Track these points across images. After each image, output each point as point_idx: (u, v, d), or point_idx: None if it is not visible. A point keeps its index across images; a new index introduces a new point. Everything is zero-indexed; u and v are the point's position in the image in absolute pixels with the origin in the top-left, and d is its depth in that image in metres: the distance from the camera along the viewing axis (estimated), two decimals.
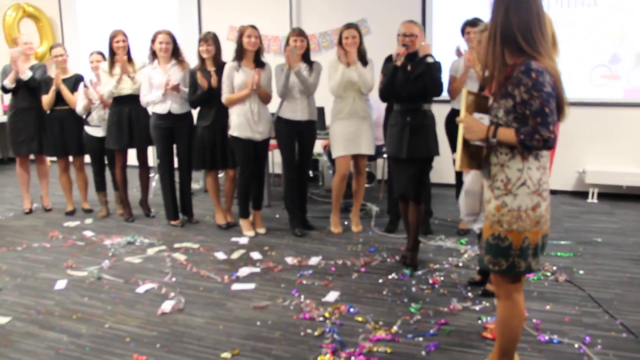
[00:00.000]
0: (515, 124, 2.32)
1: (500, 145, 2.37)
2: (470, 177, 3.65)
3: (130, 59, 5.45)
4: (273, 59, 6.22)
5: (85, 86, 5.52)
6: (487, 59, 2.38)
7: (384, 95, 4.30)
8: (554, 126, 2.24)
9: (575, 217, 5.57)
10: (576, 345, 3.04)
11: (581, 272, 4.10)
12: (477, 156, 2.53)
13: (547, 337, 3.13)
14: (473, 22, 4.78)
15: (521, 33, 2.27)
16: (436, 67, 4.14)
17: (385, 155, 5.40)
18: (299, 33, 4.89)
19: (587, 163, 6.31)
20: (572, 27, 6.13)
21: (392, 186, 5.15)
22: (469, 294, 3.76)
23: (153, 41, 5.16)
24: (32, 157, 6.03)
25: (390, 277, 4.10)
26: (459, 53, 5.00)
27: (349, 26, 4.87)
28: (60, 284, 4.09)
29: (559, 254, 4.47)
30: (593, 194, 6.21)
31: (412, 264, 4.24)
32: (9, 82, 5.62)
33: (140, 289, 3.97)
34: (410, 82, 4.09)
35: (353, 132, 4.96)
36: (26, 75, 5.62)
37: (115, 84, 5.29)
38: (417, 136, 4.13)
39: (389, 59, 4.92)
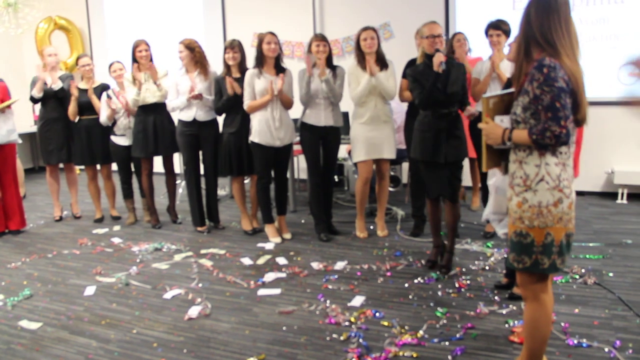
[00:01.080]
0: (533, 120, 2.34)
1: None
2: (502, 175, 3.57)
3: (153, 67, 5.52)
4: (297, 64, 6.25)
5: (108, 96, 5.60)
6: (514, 59, 2.49)
7: (424, 105, 4.15)
8: (566, 121, 2.25)
9: (604, 218, 5.48)
10: (606, 350, 2.99)
11: (611, 274, 4.04)
12: (505, 154, 2.59)
13: (575, 341, 3.09)
14: (496, 25, 4.75)
15: (541, 33, 2.33)
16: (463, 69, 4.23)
17: (407, 158, 5.35)
18: (321, 38, 4.90)
19: (616, 163, 6.21)
20: (599, 25, 6.05)
21: (417, 190, 5.14)
22: (496, 298, 3.72)
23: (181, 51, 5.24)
24: (61, 165, 6.14)
25: (416, 281, 4.08)
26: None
27: (366, 28, 4.86)
28: (90, 290, 4.16)
29: (587, 256, 4.40)
30: (622, 194, 6.11)
31: (447, 267, 4.21)
32: (36, 92, 5.73)
33: (168, 295, 4.01)
34: (449, 85, 4.07)
35: (375, 136, 4.95)
36: (57, 85, 5.74)
37: (137, 90, 5.37)
38: (453, 140, 4.14)
39: (410, 63, 4.91)
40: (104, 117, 5.61)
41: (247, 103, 4.93)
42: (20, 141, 5.66)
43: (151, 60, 5.51)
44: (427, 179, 4.27)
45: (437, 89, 4.04)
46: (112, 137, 5.71)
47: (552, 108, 2.24)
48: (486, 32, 4.85)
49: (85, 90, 5.75)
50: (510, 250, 2.51)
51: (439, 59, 4.03)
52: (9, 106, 5.37)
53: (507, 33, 4.74)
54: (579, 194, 6.17)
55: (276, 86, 4.81)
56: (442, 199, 4.29)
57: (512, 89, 2.55)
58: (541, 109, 2.27)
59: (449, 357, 3.01)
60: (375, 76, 4.81)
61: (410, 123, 4.95)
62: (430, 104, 4.11)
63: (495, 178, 3.58)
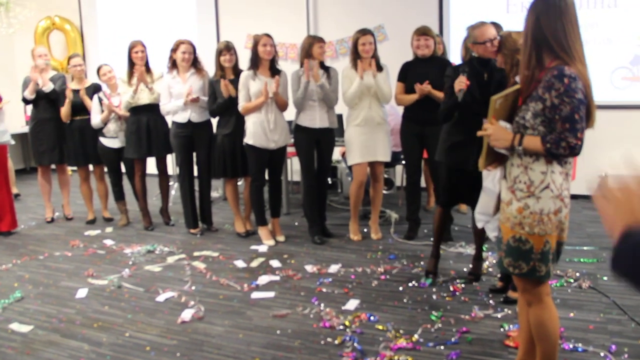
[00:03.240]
0: (542, 127, 2.31)
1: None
2: (492, 177, 3.56)
3: (148, 69, 5.50)
4: (290, 66, 6.23)
5: (100, 99, 5.56)
6: (521, 63, 2.43)
7: (444, 120, 3.94)
8: (582, 133, 2.23)
9: (598, 222, 5.48)
10: (602, 354, 2.99)
11: (605, 278, 4.04)
12: (502, 155, 2.55)
13: (571, 346, 3.08)
14: None
15: (554, 39, 2.28)
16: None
17: (402, 161, 5.32)
18: (322, 39, 4.92)
19: (610, 167, 6.21)
20: (592, 29, 6.06)
21: (412, 193, 5.12)
22: (491, 302, 3.71)
23: (174, 50, 5.20)
24: (53, 166, 6.09)
25: (410, 284, 4.07)
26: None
27: (364, 32, 4.84)
28: (81, 293, 4.12)
29: (582, 259, 4.41)
30: None
31: (475, 273, 4.09)
32: (28, 93, 5.69)
33: (160, 298, 3.98)
34: (484, 94, 3.49)
35: (369, 139, 4.94)
36: (48, 87, 5.69)
37: (132, 94, 5.33)
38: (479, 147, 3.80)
39: (405, 66, 4.90)
40: (97, 120, 5.56)
41: (241, 105, 4.91)
42: (13, 142, 5.61)
43: (147, 61, 5.48)
44: (450, 186, 3.99)
45: (471, 96, 3.63)
46: (102, 139, 5.65)
47: (571, 119, 2.22)
48: None
49: (77, 91, 5.71)
50: (505, 255, 2.47)
51: (459, 85, 3.63)
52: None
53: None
54: (573, 197, 6.14)
55: (271, 88, 4.80)
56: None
57: (517, 87, 2.51)
58: (558, 119, 2.24)
59: None
60: (375, 78, 4.80)
61: (406, 126, 4.96)
62: (450, 119, 3.89)
63: (487, 178, 3.56)
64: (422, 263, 4.46)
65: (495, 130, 2.43)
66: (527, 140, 2.32)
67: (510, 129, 2.42)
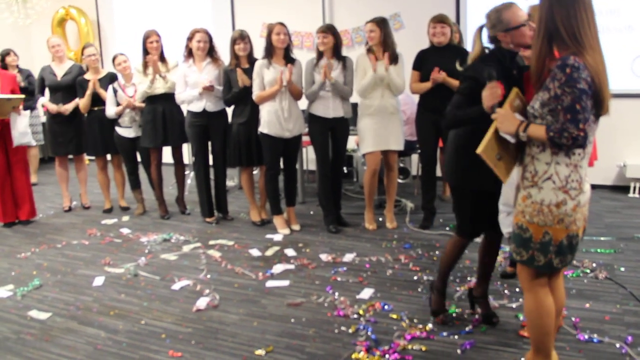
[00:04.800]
0: (550, 117, 2.29)
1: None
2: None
3: (163, 59, 5.51)
4: (306, 55, 6.20)
5: (114, 90, 5.59)
6: (533, 53, 2.38)
7: (451, 127, 3.10)
8: (585, 124, 2.20)
9: (616, 212, 5.43)
10: (617, 345, 2.96)
11: (622, 269, 4.00)
12: (504, 149, 2.52)
13: (586, 336, 3.06)
14: None
15: (565, 27, 2.25)
16: None
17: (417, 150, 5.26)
18: (323, 30, 4.86)
19: (628, 157, 6.15)
20: (612, 16, 5.97)
21: (428, 182, 5.10)
22: (506, 292, 3.69)
23: (190, 39, 5.20)
24: (70, 156, 6.14)
25: (425, 273, 4.06)
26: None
27: (370, 20, 4.85)
28: (98, 281, 4.16)
29: (599, 250, 4.36)
30: (635, 188, 6.05)
31: (490, 314, 3.31)
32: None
33: (176, 286, 4.01)
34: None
35: (381, 127, 4.92)
36: (65, 79, 5.79)
37: (150, 84, 5.35)
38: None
39: (420, 54, 4.87)
40: (110, 112, 5.59)
41: (256, 93, 4.91)
42: (34, 144, 5.64)
43: (162, 51, 5.49)
44: (474, 213, 3.15)
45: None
46: (117, 129, 5.69)
47: (572, 110, 2.19)
48: None
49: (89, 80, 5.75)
50: (512, 241, 2.52)
51: (493, 98, 2.58)
52: (17, 107, 5.34)
53: None
54: (591, 187, 6.11)
55: (285, 77, 4.79)
56: (486, 237, 3.32)
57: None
58: (560, 110, 2.22)
59: (458, 350, 2.99)
60: (387, 70, 4.78)
61: (422, 114, 4.94)
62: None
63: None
64: (437, 252, 4.45)
65: (504, 114, 2.44)
66: (532, 128, 2.33)
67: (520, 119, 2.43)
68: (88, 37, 8.69)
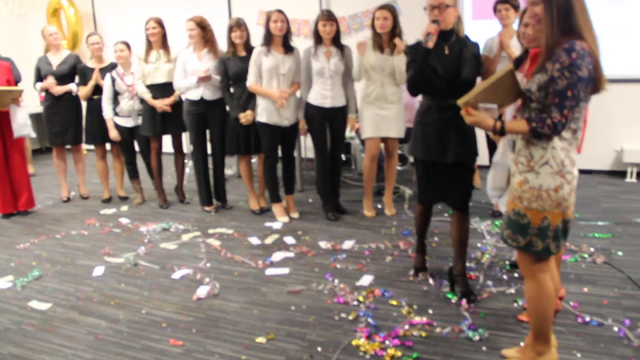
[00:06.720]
0: (545, 100, 2.29)
1: None
2: (502, 149, 3.49)
3: (166, 46, 5.47)
4: (303, 42, 6.17)
5: (112, 78, 5.57)
6: (542, 38, 2.28)
7: (414, 89, 3.36)
8: (569, 111, 2.22)
9: (613, 197, 5.44)
10: (616, 329, 2.99)
11: (620, 253, 4.02)
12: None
13: (587, 318, 3.08)
14: None
15: (580, 11, 2.22)
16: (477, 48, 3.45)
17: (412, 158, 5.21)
18: (327, 17, 4.82)
19: (625, 141, 6.15)
20: (607, 1, 5.95)
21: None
22: (504, 277, 3.71)
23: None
24: (68, 146, 6.13)
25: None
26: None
27: (381, 7, 4.78)
28: (98, 271, 4.17)
29: (596, 235, 4.38)
30: (632, 173, 6.06)
31: (471, 291, 3.45)
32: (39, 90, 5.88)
33: (176, 275, 4.02)
34: (463, 70, 3.27)
35: (382, 115, 4.91)
36: (60, 69, 5.79)
37: (148, 97, 5.40)
38: (462, 136, 3.33)
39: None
40: (107, 110, 5.63)
41: (251, 81, 4.89)
42: (33, 135, 5.62)
43: (165, 39, 5.47)
44: (425, 182, 3.52)
45: (433, 71, 3.26)
46: (116, 119, 5.67)
47: (562, 95, 2.20)
48: (494, 8, 4.78)
49: (94, 69, 5.73)
50: (505, 227, 2.51)
51: (426, 30, 3.19)
52: (17, 99, 5.33)
53: (516, 7, 4.66)
54: (588, 172, 6.13)
55: (281, 101, 4.84)
56: (451, 210, 3.56)
57: (506, 68, 2.43)
58: (551, 92, 2.23)
59: (458, 336, 3.01)
60: (395, 58, 4.75)
61: None
62: (421, 89, 3.36)
63: (496, 152, 3.52)
64: (435, 239, 4.47)
65: (476, 118, 2.47)
66: (510, 125, 2.37)
67: (495, 111, 2.44)
68: (77, 28, 8.61)
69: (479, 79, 3.45)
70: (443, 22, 3.23)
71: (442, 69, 3.25)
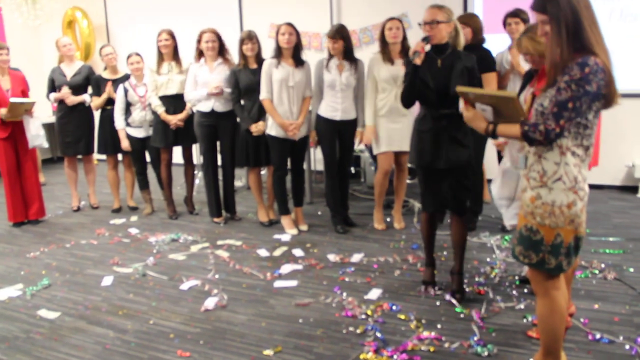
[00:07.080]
0: None
1: None
2: (510, 158, 3.49)
3: (177, 58, 5.51)
4: (314, 55, 6.20)
5: (125, 90, 5.61)
6: (553, 55, 2.25)
7: (405, 102, 3.58)
8: (566, 122, 2.20)
9: (624, 212, 5.40)
10: (627, 346, 2.95)
11: (631, 269, 3.98)
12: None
13: (598, 336, 3.05)
14: (514, 13, 4.68)
15: (589, 26, 2.20)
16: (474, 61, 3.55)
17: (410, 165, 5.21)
18: (332, 35, 4.82)
19: (637, 156, 6.11)
20: (620, 17, 5.93)
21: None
22: (514, 292, 3.68)
23: (199, 41, 5.21)
24: (79, 156, 6.17)
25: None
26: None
27: (391, 18, 4.80)
28: (107, 281, 4.18)
29: (607, 251, 4.34)
30: None
31: (462, 291, 3.63)
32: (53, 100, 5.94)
33: (184, 286, 4.03)
34: (452, 83, 3.37)
35: (394, 128, 4.91)
36: (74, 79, 5.84)
37: (161, 111, 5.43)
38: (454, 143, 3.49)
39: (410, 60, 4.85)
40: (117, 115, 5.67)
41: (264, 96, 4.90)
42: (46, 145, 5.68)
43: (176, 51, 5.51)
44: (425, 188, 3.70)
45: (424, 84, 3.44)
46: (127, 129, 5.71)
47: (562, 105, 2.19)
48: (504, 22, 4.78)
49: (109, 81, 5.79)
50: (517, 243, 2.48)
51: (414, 48, 3.42)
52: (30, 110, 5.39)
53: (525, 21, 4.65)
54: (598, 187, 6.09)
55: (292, 131, 4.89)
56: (450, 214, 3.72)
57: (509, 94, 2.43)
58: (552, 101, 2.21)
59: (466, 351, 2.99)
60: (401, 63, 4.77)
61: None
62: (412, 102, 3.57)
63: (504, 161, 3.50)
64: (445, 253, 4.44)
65: (473, 115, 2.54)
66: (502, 128, 2.41)
67: (489, 112, 2.49)
68: (90, 40, 8.69)
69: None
70: (434, 38, 3.46)
71: (433, 82, 3.44)
